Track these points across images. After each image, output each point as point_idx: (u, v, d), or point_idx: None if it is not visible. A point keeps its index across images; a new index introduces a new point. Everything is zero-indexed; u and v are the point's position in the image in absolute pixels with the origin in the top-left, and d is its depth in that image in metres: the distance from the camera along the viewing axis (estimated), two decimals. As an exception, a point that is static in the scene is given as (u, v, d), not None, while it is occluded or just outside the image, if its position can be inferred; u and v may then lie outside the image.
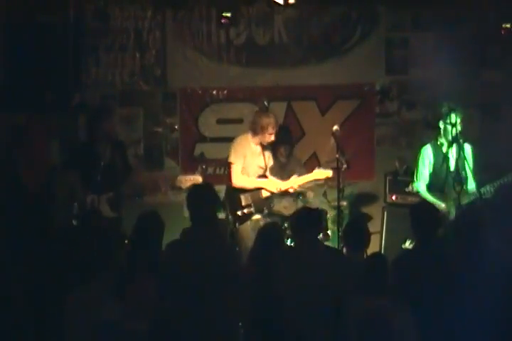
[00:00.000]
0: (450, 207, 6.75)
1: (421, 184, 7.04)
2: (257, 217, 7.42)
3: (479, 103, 8.47)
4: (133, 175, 7.47)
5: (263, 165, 7.56)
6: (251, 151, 7.51)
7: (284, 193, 7.57)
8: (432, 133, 8.07)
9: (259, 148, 7.54)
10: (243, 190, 7.47)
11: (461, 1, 8.38)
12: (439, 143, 6.96)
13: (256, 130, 7.44)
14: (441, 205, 6.77)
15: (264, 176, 7.57)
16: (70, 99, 8.19)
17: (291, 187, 7.48)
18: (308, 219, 5.54)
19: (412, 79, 8.71)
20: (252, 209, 7.44)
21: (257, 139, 7.48)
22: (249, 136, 7.53)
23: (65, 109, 8.11)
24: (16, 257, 5.51)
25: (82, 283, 4.67)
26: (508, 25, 8.25)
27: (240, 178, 7.45)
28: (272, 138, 7.46)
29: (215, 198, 5.26)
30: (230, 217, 7.46)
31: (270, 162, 7.65)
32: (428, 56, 8.39)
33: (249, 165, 7.50)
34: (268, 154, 7.64)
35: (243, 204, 7.45)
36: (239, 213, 7.40)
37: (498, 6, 8.19)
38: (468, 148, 6.95)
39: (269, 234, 5.77)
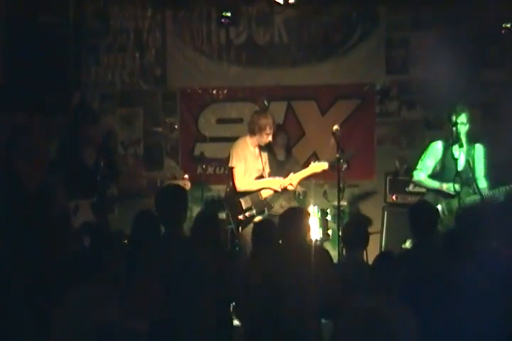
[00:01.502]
0: (455, 188, 6.78)
1: (421, 173, 7.08)
2: (258, 218, 7.41)
3: (479, 103, 8.46)
4: (123, 179, 7.46)
5: (261, 167, 7.55)
6: (250, 154, 7.50)
7: (284, 191, 7.56)
8: (432, 133, 8.11)
9: (257, 151, 7.53)
10: (242, 194, 7.47)
11: (461, 1, 8.38)
12: (450, 141, 6.95)
13: (254, 130, 7.43)
14: (443, 186, 6.85)
15: (261, 178, 7.56)
16: (70, 99, 8.19)
17: (290, 184, 7.46)
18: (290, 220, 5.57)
19: (412, 79, 8.71)
20: (254, 211, 7.43)
21: (255, 141, 7.47)
22: (247, 138, 7.52)
23: (65, 109, 8.11)
24: (16, 257, 5.50)
25: (82, 282, 4.66)
26: (508, 25, 8.24)
27: (243, 182, 7.44)
28: (270, 138, 7.44)
29: (183, 199, 5.14)
30: (231, 221, 7.43)
31: (267, 164, 7.65)
32: (428, 56, 8.39)
33: (249, 167, 7.48)
34: (265, 156, 7.64)
35: (244, 207, 7.45)
36: (241, 217, 7.39)
37: (498, 6, 8.18)
38: (480, 148, 6.98)
39: (261, 232, 5.77)
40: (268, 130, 7.38)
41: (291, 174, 7.48)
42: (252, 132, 7.45)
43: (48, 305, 4.82)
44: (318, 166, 7.43)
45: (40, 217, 6.24)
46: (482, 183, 6.88)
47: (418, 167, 7.12)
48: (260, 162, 7.53)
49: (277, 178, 7.49)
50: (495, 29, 8.34)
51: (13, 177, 6.85)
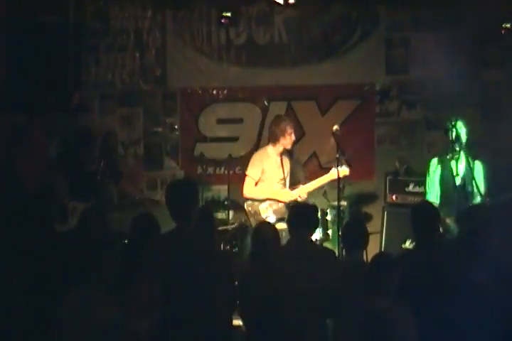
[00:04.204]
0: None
1: (431, 196, 6.98)
2: (280, 226, 7.15)
3: (479, 103, 8.47)
4: (123, 182, 7.47)
5: (282, 176, 7.60)
6: (270, 164, 7.57)
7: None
8: (432, 133, 8.12)
9: (279, 160, 7.59)
10: (262, 200, 7.52)
11: (461, 1, 8.38)
12: (448, 157, 6.89)
13: (276, 136, 7.53)
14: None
15: (284, 186, 7.61)
16: (70, 99, 8.19)
17: (299, 196, 7.51)
18: (299, 217, 5.58)
19: (412, 79, 8.71)
20: (273, 218, 7.43)
21: (279, 147, 7.55)
22: (269, 147, 7.63)
23: (65, 109, 8.11)
24: (15, 257, 5.50)
25: (82, 282, 4.66)
26: (508, 25, 8.24)
27: (250, 190, 7.55)
28: (293, 137, 7.55)
29: (194, 195, 5.13)
30: (251, 228, 7.42)
31: (289, 174, 7.69)
32: (428, 56, 8.39)
33: (270, 177, 7.56)
34: (287, 165, 7.68)
35: (263, 214, 7.47)
36: None
37: (498, 6, 8.18)
38: (479, 165, 6.92)
39: (263, 233, 5.78)
40: (289, 129, 7.51)
41: (301, 186, 7.52)
42: (274, 139, 7.55)
43: (48, 304, 4.83)
44: (341, 172, 7.30)
45: (40, 217, 6.24)
46: (477, 199, 6.84)
47: (427, 190, 7.06)
48: (281, 171, 7.58)
49: (287, 190, 7.55)
50: (495, 29, 8.34)
51: (13, 177, 6.85)
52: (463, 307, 4.79)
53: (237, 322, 5.92)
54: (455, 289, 4.92)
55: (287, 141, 7.55)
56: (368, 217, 8.30)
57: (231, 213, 7.93)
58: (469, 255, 5.08)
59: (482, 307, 4.76)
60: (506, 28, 8.25)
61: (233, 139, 8.63)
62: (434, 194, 7.01)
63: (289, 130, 7.53)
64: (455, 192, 6.75)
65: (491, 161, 7.33)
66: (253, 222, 7.45)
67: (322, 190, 8.00)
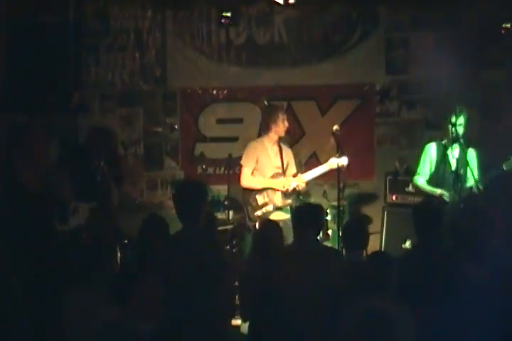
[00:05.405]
0: (448, 195, 6.88)
1: (420, 178, 7.20)
2: (280, 216, 7.29)
3: (479, 103, 8.47)
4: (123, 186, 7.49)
5: (279, 165, 7.52)
6: (266, 153, 7.49)
7: (292, 192, 7.48)
8: (432, 133, 8.11)
9: (276, 148, 7.52)
10: (259, 190, 7.45)
11: (461, 1, 8.38)
12: (444, 142, 7.02)
13: (268, 123, 7.47)
14: (437, 191, 6.95)
15: (283, 175, 7.51)
16: (70, 99, 8.20)
17: (297, 186, 7.42)
18: (305, 217, 5.58)
19: (412, 79, 8.71)
20: (271, 207, 7.41)
21: (272, 136, 7.47)
22: (264, 138, 7.55)
23: (65, 109, 8.12)
24: (16, 257, 5.50)
25: (83, 283, 4.66)
26: (508, 25, 8.24)
27: (247, 179, 7.46)
28: (286, 124, 7.45)
29: (203, 196, 5.15)
30: (248, 219, 7.43)
31: (291, 164, 7.63)
32: (428, 56, 8.39)
33: (264, 166, 7.48)
34: (288, 155, 7.61)
35: (260, 203, 7.44)
36: (258, 213, 7.35)
37: (498, 6, 8.18)
38: (472, 153, 7.06)
39: (266, 231, 5.79)
40: (281, 116, 7.44)
41: (299, 175, 7.48)
42: (266, 127, 7.50)
43: (49, 305, 4.83)
44: (339, 162, 7.20)
45: (40, 217, 6.24)
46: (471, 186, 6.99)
47: (418, 171, 7.22)
48: (279, 160, 7.51)
49: (283, 178, 7.48)
50: (495, 29, 8.34)
51: (13, 177, 6.85)
52: (463, 307, 4.79)
53: (237, 322, 5.93)
54: (455, 289, 4.91)
55: (280, 128, 7.43)
56: (368, 218, 8.30)
57: (231, 213, 7.93)
58: (469, 255, 5.08)
59: (482, 307, 4.76)
60: (506, 28, 8.25)
61: (233, 139, 8.63)
62: (423, 177, 7.17)
63: (281, 116, 7.43)
64: (451, 175, 6.85)
65: (490, 161, 7.34)
66: (251, 212, 7.40)
67: (322, 190, 8.01)
